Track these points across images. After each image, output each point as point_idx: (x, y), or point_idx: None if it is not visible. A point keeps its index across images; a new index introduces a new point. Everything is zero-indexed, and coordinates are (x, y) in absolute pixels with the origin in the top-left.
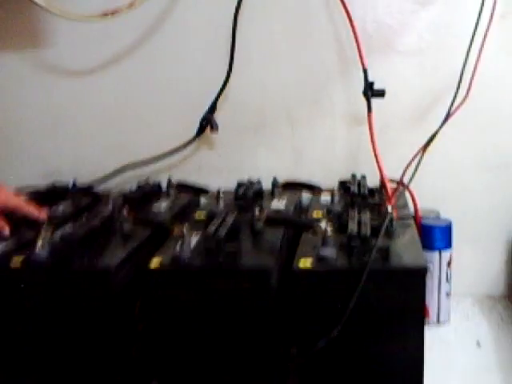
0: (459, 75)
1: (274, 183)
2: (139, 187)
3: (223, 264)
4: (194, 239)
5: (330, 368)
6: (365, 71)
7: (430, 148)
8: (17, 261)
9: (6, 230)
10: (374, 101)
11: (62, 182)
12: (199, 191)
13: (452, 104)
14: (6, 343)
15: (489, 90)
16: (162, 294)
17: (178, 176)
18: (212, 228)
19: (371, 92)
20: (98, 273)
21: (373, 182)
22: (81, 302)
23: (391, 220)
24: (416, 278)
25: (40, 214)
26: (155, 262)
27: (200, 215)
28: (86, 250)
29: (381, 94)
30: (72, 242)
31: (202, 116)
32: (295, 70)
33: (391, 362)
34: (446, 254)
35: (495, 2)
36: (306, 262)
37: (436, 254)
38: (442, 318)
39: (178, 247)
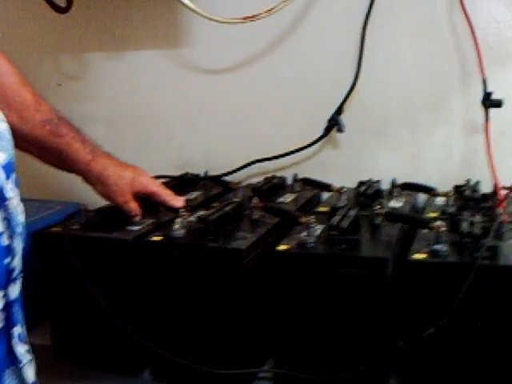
0: None
1: (393, 184)
2: (267, 180)
3: (344, 251)
4: (318, 228)
5: (433, 358)
6: (484, 81)
7: None
8: (157, 237)
9: (138, 215)
10: (492, 110)
11: (194, 173)
12: (322, 187)
13: None
14: (140, 309)
15: None
16: (287, 276)
17: (302, 173)
18: (336, 219)
19: (489, 102)
20: (230, 251)
21: (487, 188)
22: (212, 278)
23: (501, 222)
24: None
25: (177, 202)
26: (283, 246)
27: (324, 208)
28: (220, 231)
29: (498, 104)
30: (207, 223)
31: (329, 117)
32: (418, 78)
33: (492, 354)
34: None
35: None
36: (420, 255)
37: None
38: None
39: (304, 234)
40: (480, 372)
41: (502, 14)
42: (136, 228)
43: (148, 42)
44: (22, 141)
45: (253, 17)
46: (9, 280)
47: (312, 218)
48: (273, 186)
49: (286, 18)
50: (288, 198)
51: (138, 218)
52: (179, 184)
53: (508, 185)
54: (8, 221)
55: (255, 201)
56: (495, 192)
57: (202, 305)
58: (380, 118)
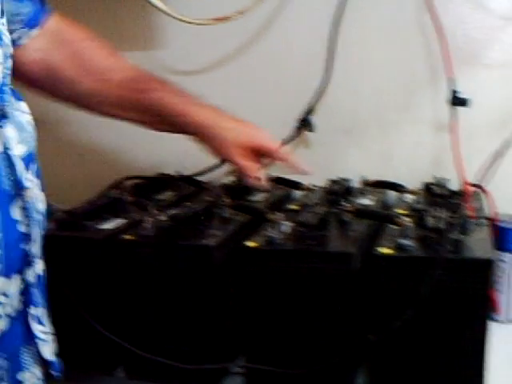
0: None
1: (363, 181)
2: (239, 179)
3: (312, 247)
4: (288, 225)
5: (400, 350)
6: (450, 80)
7: (510, 155)
8: (128, 236)
9: (253, 174)
10: (461, 110)
11: (167, 173)
12: (293, 186)
13: None
14: (112, 307)
15: None
16: (255, 272)
17: (275, 172)
18: (304, 216)
19: (456, 101)
20: (200, 248)
21: (456, 185)
22: (183, 275)
23: (465, 217)
24: (482, 269)
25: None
26: (251, 242)
27: (294, 206)
28: (191, 229)
29: (465, 102)
30: (178, 221)
31: (300, 117)
32: (387, 78)
33: (456, 347)
34: None
35: None
36: (386, 250)
37: (509, 255)
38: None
39: (273, 231)
40: (446, 362)
41: (469, 15)
42: (107, 227)
43: (120, 44)
44: (107, 105)
45: (224, 18)
46: (25, 264)
47: (281, 216)
48: (245, 185)
49: (257, 19)
50: (259, 196)
51: (255, 177)
52: (152, 184)
53: (475, 182)
54: (26, 209)
55: (226, 199)
56: (462, 189)
57: (173, 301)
58: (351, 117)
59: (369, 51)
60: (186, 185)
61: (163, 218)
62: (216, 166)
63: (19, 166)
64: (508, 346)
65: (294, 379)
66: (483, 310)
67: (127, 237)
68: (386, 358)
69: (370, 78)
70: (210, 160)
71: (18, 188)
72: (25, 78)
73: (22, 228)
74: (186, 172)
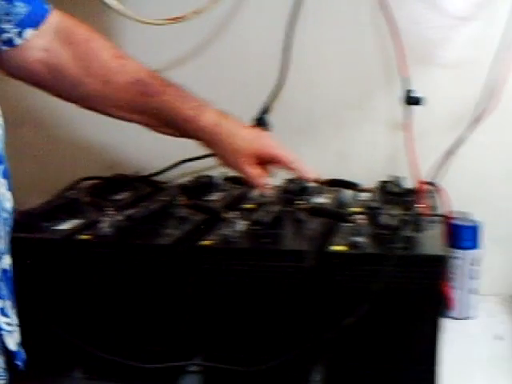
0: (490, 85)
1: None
2: (195, 179)
3: (266, 245)
4: (242, 224)
5: (355, 345)
6: (404, 80)
7: (464, 153)
8: (85, 236)
9: (260, 182)
10: (414, 108)
11: (124, 174)
12: (249, 185)
13: (478, 113)
14: (69, 307)
15: None
16: (210, 270)
17: (232, 172)
18: (259, 214)
19: (410, 100)
20: (155, 248)
21: (411, 183)
22: (139, 274)
23: (418, 215)
24: (434, 265)
25: (311, 173)
26: (206, 241)
27: (249, 205)
28: (147, 229)
29: (418, 101)
30: (134, 221)
31: (256, 116)
32: (343, 77)
33: (410, 340)
34: (472, 253)
35: None
36: (339, 247)
37: (464, 253)
38: (466, 314)
39: (228, 229)
40: (399, 358)
41: (423, 15)
42: (64, 227)
43: None
44: (112, 107)
45: (180, 18)
46: None
47: (236, 214)
48: (202, 185)
49: (213, 19)
50: (216, 196)
51: (262, 186)
52: (109, 185)
53: (429, 180)
54: None
55: (182, 199)
56: (416, 187)
57: (130, 301)
58: (306, 116)
59: (324, 51)
60: (143, 185)
61: (120, 218)
62: (172, 166)
63: None
64: (462, 342)
65: (251, 377)
66: (435, 306)
67: (84, 237)
68: (341, 355)
69: (325, 77)
70: (167, 160)
71: None
72: (28, 77)
73: None
74: (143, 172)
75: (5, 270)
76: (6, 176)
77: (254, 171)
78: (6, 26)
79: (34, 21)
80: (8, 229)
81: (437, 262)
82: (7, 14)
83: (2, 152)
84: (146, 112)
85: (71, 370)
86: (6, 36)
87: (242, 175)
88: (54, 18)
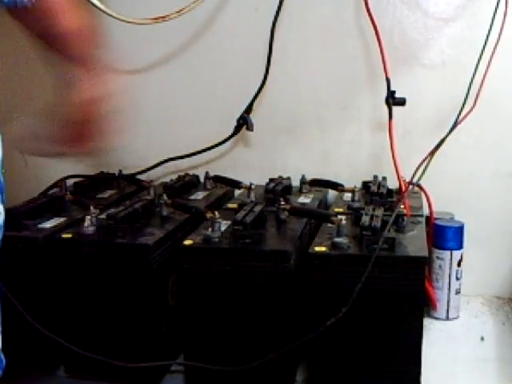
0: (468, 86)
1: (302, 180)
2: (179, 178)
3: (247, 245)
4: (224, 224)
5: (338, 346)
6: (387, 80)
7: (446, 154)
8: (67, 235)
9: None
10: (398, 109)
11: (108, 172)
12: (233, 184)
13: (459, 113)
14: (52, 305)
15: (502, 102)
16: (192, 270)
17: (215, 171)
18: (240, 214)
19: (392, 100)
20: (137, 247)
21: (394, 183)
22: (121, 274)
23: (401, 216)
24: (416, 266)
25: None
26: (188, 241)
27: (232, 205)
28: (129, 228)
29: (401, 102)
30: (116, 220)
31: (239, 116)
32: (326, 77)
33: (393, 341)
34: (456, 254)
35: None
36: (321, 248)
37: (447, 253)
38: (450, 315)
39: (210, 229)
40: (381, 358)
41: (406, 16)
42: (47, 226)
43: None
44: None
45: (164, 17)
46: None
47: (218, 214)
48: (185, 184)
49: (196, 18)
50: (200, 195)
51: None
52: (94, 183)
53: (412, 180)
54: None
55: (165, 198)
56: (400, 187)
57: (113, 300)
58: (290, 116)
59: (308, 51)
60: (127, 183)
61: (103, 216)
62: (156, 165)
63: None
64: (445, 342)
65: (234, 377)
66: (418, 307)
67: (66, 236)
68: (323, 355)
69: (309, 77)
70: (151, 159)
71: None
72: None
73: None
74: (128, 171)
75: None
76: (1, 190)
77: None
78: None
79: None
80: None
81: (419, 264)
82: None
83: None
84: None
85: (54, 369)
86: None
87: None
88: None
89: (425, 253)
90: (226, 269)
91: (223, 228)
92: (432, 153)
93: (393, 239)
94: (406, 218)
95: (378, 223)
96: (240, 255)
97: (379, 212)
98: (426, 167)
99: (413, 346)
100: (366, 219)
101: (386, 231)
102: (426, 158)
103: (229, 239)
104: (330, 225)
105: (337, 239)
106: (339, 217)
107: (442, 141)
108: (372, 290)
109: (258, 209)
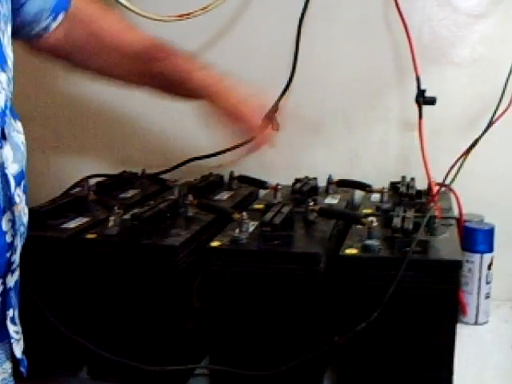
0: (503, 85)
1: (329, 181)
2: (203, 178)
3: (276, 247)
4: (252, 225)
5: (368, 351)
6: (417, 79)
7: (477, 154)
8: (91, 235)
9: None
10: (427, 108)
11: (131, 171)
12: (258, 185)
13: (495, 113)
14: (76, 307)
15: None
16: (219, 272)
17: (240, 171)
18: (269, 216)
19: (422, 99)
20: (163, 248)
21: (422, 184)
22: (147, 275)
23: (432, 218)
24: (451, 271)
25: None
26: (216, 242)
27: (259, 205)
28: (154, 228)
29: (432, 101)
30: (141, 220)
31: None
32: (354, 76)
33: (425, 346)
34: (487, 257)
35: None
36: (352, 250)
37: (477, 256)
38: (480, 319)
39: (237, 230)
40: (413, 365)
41: (436, 12)
42: (70, 226)
43: None
44: (125, 73)
45: (188, 14)
46: (8, 271)
47: (245, 215)
48: (209, 184)
49: (221, 15)
50: (224, 195)
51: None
52: (117, 182)
53: (442, 181)
54: (13, 222)
55: (190, 198)
56: (429, 188)
57: (137, 302)
58: (317, 115)
59: (335, 49)
60: (150, 183)
61: (127, 216)
62: (180, 165)
63: (12, 183)
64: (475, 347)
65: (260, 381)
66: (452, 312)
67: (90, 236)
68: (352, 360)
69: (336, 76)
70: (174, 158)
71: (10, 203)
72: (51, 52)
73: (8, 238)
74: (151, 170)
75: (16, 281)
76: (25, 191)
77: (258, 122)
78: (45, 14)
79: (64, 3)
80: (23, 242)
81: (454, 267)
82: (45, 10)
83: (24, 169)
84: (155, 75)
85: (77, 371)
86: (44, 23)
87: (244, 126)
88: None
89: (459, 256)
90: (254, 271)
91: (251, 229)
92: (466, 153)
93: (426, 242)
94: (437, 221)
95: (409, 225)
96: (269, 257)
97: (410, 214)
98: (459, 168)
99: (445, 351)
100: (397, 221)
101: (418, 233)
102: (459, 159)
103: (257, 241)
104: (359, 226)
105: (368, 242)
106: (370, 218)
107: (476, 141)
108: (404, 294)
109: (286, 210)
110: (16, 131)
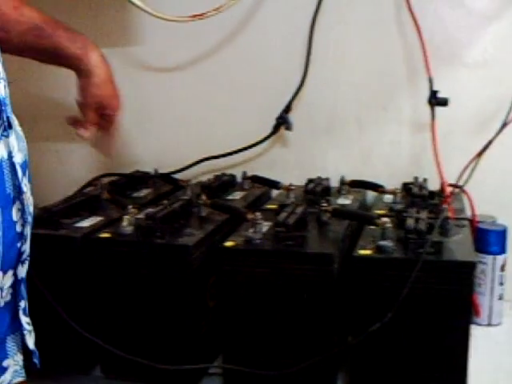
0: None
1: (342, 181)
2: (216, 178)
3: (290, 247)
4: (265, 225)
5: (381, 352)
6: (430, 80)
7: (490, 155)
8: (105, 234)
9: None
10: (439, 109)
11: (144, 171)
12: (271, 185)
13: (508, 114)
14: (89, 305)
15: None
16: (233, 272)
17: (252, 171)
18: (282, 216)
19: (435, 100)
20: (177, 248)
21: (435, 185)
22: (160, 275)
23: (446, 219)
24: (464, 272)
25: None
26: (230, 242)
27: (272, 205)
28: (168, 228)
29: (444, 102)
30: (155, 220)
31: (277, 115)
32: (366, 76)
33: (438, 347)
34: (500, 258)
35: None
36: (365, 251)
37: (490, 258)
38: (493, 321)
39: (251, 231)
40: (426, 366)
41: (448, 14)
42: (84, 225)
43: (97, 40)
44: (16, 50)
45: (201, 15)
46: (19, 261)
47: (259, 215)
48: (222, 184)
49: (234, 16)
50: (237, 195)
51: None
52: (129, 182)
53: (455, 182)
54: (22, 211)
55: (203, 198)
56: (442, 189)
57: (151, 301)
58: (329, 116)
59: (347, 50)
60: (163, 182)
61: (141, 216)
62: (193, 164)
63: (19, 172)
64: (488, 349)
65: (274, 381)
66: (466, 313)
67: (104, 235)
68: (365, 361)
69: (348, 76)
70: (187, 158)
71: (18, 192)
72: None
73: (18, 228)
74: (163, 169)
75: (27, 272)
76: (30, 181)
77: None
78: None
79: None
80: (31, 231)
81: (467, 269)
82: None
83: (27, 158)
84: (40, 51)
85: (91, 369)
86: None
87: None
88: None
89: (473, 257)
90: (268, 271)
91: (264, 229)
92: (479, 154)
93: (440, 243)
94: (450, 221)
95: (423, 226)
96: (283, 258)
97: (424, 215)
98: (473, 169)
99: (459, 352)
100: (410, 222)
101: (432, 235)
102: (472, 160)
103: (271, 241)
104: (372, 227)
105: (382, 242)
106: (383, 219)
107: (490, 142)
108: (417, 295)
109: (299, 210)
110: (16, 121)
